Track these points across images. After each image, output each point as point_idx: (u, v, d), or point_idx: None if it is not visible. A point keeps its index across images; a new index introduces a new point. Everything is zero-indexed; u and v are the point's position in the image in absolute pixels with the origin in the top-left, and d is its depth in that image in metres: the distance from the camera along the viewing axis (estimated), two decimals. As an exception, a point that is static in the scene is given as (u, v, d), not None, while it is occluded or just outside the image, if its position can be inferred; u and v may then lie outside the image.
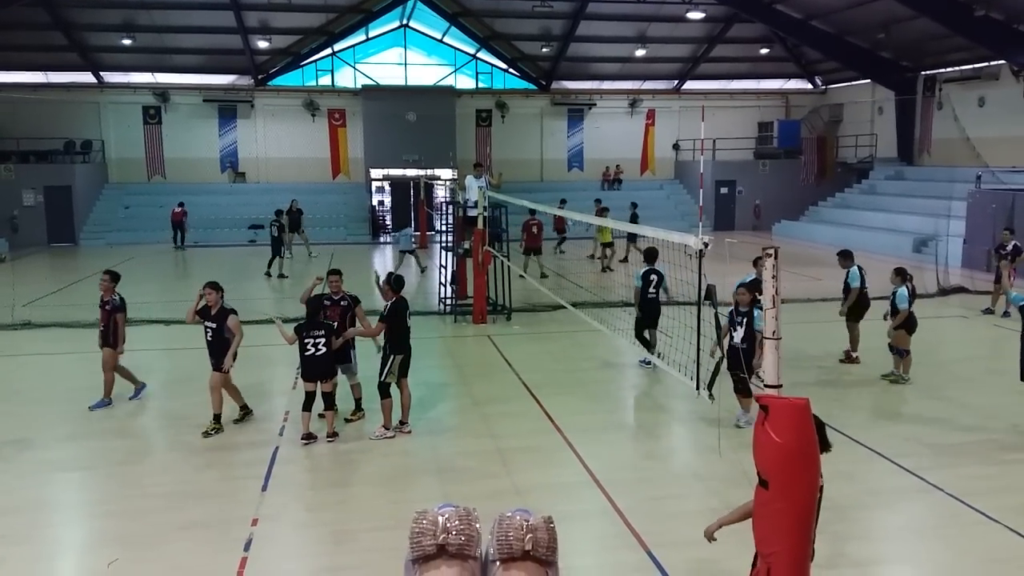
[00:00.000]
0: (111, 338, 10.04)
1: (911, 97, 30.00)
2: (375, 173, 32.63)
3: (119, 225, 29.77)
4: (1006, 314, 15.28)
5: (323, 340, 8.71)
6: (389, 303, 9.02)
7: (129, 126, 31.86)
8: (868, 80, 31.97)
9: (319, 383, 8.79)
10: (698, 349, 6.08)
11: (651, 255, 11.42)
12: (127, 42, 29.48)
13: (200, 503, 7.28)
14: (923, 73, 29.50)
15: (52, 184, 28.92)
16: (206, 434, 8.93)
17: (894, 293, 10.95)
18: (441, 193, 30.61)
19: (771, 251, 4.73)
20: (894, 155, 31.13)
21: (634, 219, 22.57)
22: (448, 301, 16.18)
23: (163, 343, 13.66)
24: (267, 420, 9.64)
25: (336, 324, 9.11)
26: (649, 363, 11.20)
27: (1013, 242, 15.67)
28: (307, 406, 8.74)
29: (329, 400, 8.88)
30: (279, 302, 16.95)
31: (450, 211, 17.75)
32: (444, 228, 18.31)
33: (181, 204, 27.96)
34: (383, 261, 25.73)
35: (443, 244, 17.90)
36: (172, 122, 32.17)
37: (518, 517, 2.08)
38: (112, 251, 26.88)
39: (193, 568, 6.21)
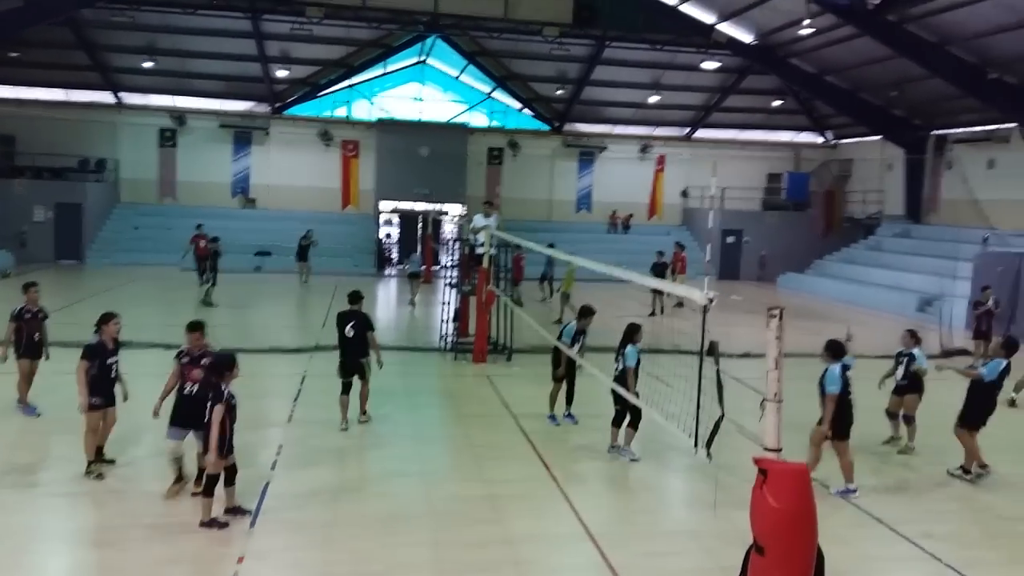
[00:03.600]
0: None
1: (921, 156, 30.15)
2: (384, 205, 32.82)
3: (127, 245, 29.89)
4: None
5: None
6: None
7: (144, 147, 32.19)
8: (879, 136, 32.17)
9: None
10: (698, 405, 6.02)
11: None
12: (148, 65, 29.93)
13: (187, 536, 7.16)
14: (934, 132, 29.71)
15: (63, 201, 29.16)
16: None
17: (910, 355, 10.60)
18: (448, 228, 30.77)
19: (776, 312, 4.70)
20: (901, 212, 31.20)
21: (658, 269, 22.34)
22: (449, 339, 16.13)
23: (164, 367, 13.59)
24: (258, 453, 9.53)
25: (196, 387, 7.80)
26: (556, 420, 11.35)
27: (992, 298, 16.52)
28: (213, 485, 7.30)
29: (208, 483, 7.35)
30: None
31: (457, 248, 17.77)
32: (449, 264, 18.33)
33: (199, 226, 23.61)
34: (387, 293, 25.79)
35: (447, 281, 17.89)
36: (187, 145, 32.49)
37: None
38: (116, 270, 26.96)
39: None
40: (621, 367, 9.74)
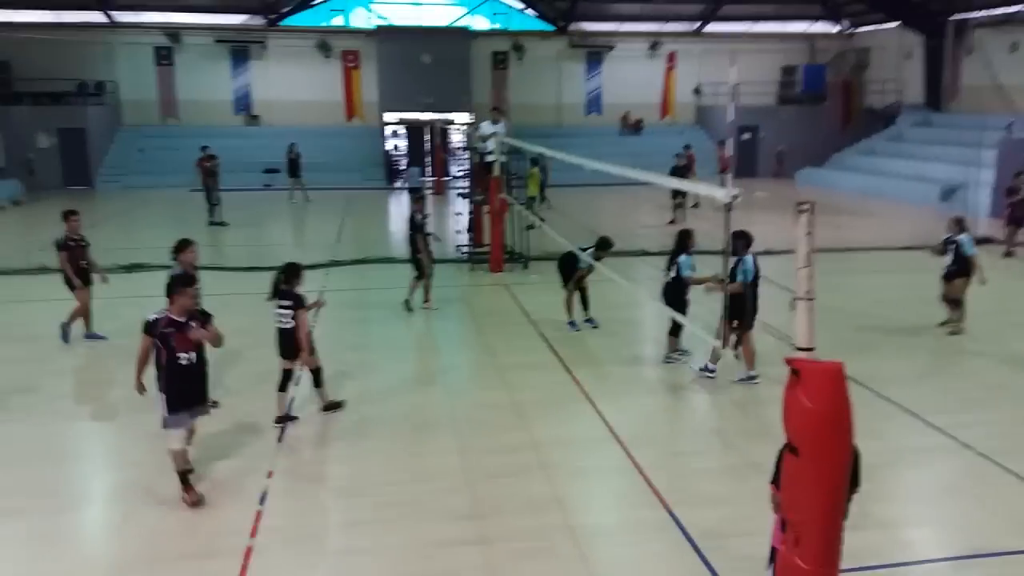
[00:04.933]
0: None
1: (940, 41, 29.01)
2: (389, 117, 32.17)
3: (134, 168, 29.62)
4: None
5: (289, 313, 7.70)
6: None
7: (141, 67, 31.48)
8: (896, 23, 30.93)
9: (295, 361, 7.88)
10: (724, 305, 5.86)
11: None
12: (137, -21, 28.97)
13: (215, 454, 7.20)
14: (953, 17, 28.47)
15: (66, 126, 28.73)
16: None
17: (957, 241, 10.75)
18: (456, 138, 30.16)
19: (806, 206, 4.48)
20: (921, 101, 30.28)
21: (679, 172, 20.31)
22: (465, 249, 15.99)
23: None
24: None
25: (195, 355, 6.37)
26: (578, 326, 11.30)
27: None
28: (283, 385, 7.92)
29: (316, 378, 8.13)
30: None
31: (466, 157, 17.43)
32: (460, 174, 18.04)
33: (204, 148, 22.13)
34: (399, 207, 25.55)
35: (459, 191, 17.62)
36: (184, 63, 31.75)
37: None
38: (127, 194, 26.81)
39: (206, 522, 6.15)
40: (674, 275, 9.32)
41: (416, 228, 12.12)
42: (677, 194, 20.18)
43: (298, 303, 7.72)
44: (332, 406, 8.26)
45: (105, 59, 31.02)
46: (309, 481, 6.89)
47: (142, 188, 27.92)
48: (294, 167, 25.29)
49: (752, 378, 8.95)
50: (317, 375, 8.12)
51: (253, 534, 5.93)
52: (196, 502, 6.31)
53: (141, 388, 6.48)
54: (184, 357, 6.27)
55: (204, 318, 6.46)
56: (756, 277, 8.73)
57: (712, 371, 9.16)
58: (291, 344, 7.76)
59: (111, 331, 10.72)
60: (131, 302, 12.16)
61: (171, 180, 27.79)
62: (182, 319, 6.25)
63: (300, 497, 6.60)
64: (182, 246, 8.49)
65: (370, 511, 6.29)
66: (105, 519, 6.36)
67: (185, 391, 6.33)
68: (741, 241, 8.67)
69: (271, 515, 6.21)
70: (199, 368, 6.43)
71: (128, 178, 29.00)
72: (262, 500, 6.40)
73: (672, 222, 19.34)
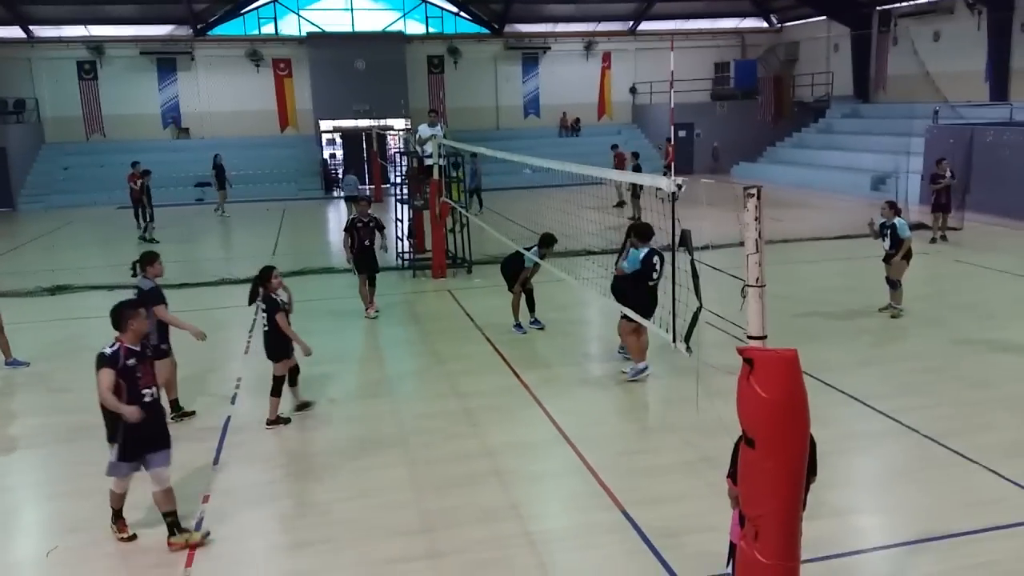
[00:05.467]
0: None
1: (866, 32, 29.75)
2: (325, 125, 31.63)
3: (59, 187, 28.49)
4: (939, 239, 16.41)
5: (266, 316, 7.80)
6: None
7: (64, 83, 30.33)
8: (824, 16, 31.61)
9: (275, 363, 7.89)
10: (673, 299, 5.74)
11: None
12: (55, -8, 27.91)
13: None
14: (878, 8, 29.22)
15: (-16, 146, 27.49)
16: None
17: (892, 225, 10.96)
18: (394, 143, 29.75)
19: (753, 191, 4.37)
20: (850, 93, 30.99)
21: (637, 170, 21.54)
22: (406, 256, 15.70)
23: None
24: (218, 387, 9.15)
25: (156, 389, 5.81)
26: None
27: (948, 169, 16.63)
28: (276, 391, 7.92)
29: (275, 386, 7.91)
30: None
31: (404, 162, 17.13)
32: (399, 180, 17.72)
33: (135, 164, 21.54)
34: (337, 215, 25.08)
35: (398, 197, 17.31)
36: (109, 77, 30.71)
37: None
38: (51, 215, 25.79)
39: (139, 552, 5.78)
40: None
41: (347, 228, 12.06)
42: (636, 190, 20.41)
43: (272, 307, 7.77)
44: (278, 421, 7.96)
45: (25, 75, 29.84)
46: (250, 503, 6.54)
47: (68, 207, 26.83)
48: (220, 179, 24.66)
49: (643, 370, 8.96)
50: (277, 384, 7.90)
51: (189, 563, 5.59)
52: (128, 538, 5.88)
53: (137, 413, 5.42)
54: (148, 393, 5.61)
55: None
56: (649, 272, 8.60)
57: (644, 369, 9.03)
58: (273, 346, 7.81)
59: (33, 357, 10.17)
60: (55, 325, 11.66)
61: (98, 198, 26.83)
62: (137, 347, 5.67)
63: (241, 521, 6.26)
64: (150, 259, 8.05)
65: (314, 532, 6.00)
66: (31, 554, 5.93)
67: (146, 436, 5.58)
68: (638, 232, 8.68)
69: (209, 542, 5.86)
70: (158, 404, 5.78)
71: (52, 197, 27.87)
72: (198, 526, 6.04)
73: (629, 216, 19.47)
